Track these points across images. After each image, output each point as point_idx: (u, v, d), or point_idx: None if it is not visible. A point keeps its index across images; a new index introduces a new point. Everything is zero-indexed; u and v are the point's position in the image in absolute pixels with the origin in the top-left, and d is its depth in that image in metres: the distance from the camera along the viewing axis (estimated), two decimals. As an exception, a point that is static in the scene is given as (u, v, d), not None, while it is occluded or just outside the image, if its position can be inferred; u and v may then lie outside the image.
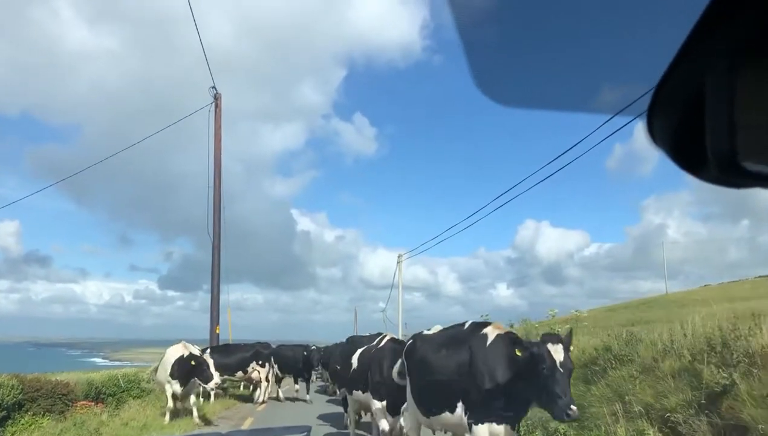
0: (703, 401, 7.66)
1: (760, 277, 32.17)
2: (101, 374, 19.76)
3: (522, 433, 9.17)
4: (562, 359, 5.54)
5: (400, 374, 8.21)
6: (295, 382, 19.12)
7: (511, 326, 13.97)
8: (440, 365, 6.77)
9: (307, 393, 19.08)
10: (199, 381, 14.11)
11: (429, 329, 7.76)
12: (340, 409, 14.75)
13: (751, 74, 1.01)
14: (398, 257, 32.56)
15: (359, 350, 10.31)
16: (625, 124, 9.58)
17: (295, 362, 19.42)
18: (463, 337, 6.74)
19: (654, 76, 1.12)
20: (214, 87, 22.36)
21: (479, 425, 6.11)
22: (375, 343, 9.86)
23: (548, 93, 2.32)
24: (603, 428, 8.83)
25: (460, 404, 6.38)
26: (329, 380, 20.86)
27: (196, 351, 14.76)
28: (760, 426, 6.62)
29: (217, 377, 14.02)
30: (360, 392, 9.98)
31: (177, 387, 13.94)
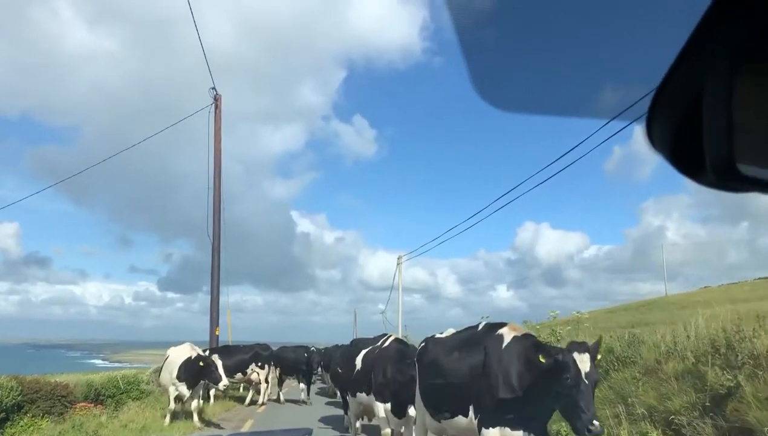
0: (707, 404, 7.61)
1: (759, 279, 32.25)
2: (101, 375, 19.69)
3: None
4: (588, 369, 5.24)
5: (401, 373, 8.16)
6: (299, 383, 19.06)
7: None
8: (453, 367, 6.50)
9: (308, 395, 19.01)
10: (208, 382, 13.98)
11: (441, 333, 7.58)
12: (341, 411, 14.69)
13: (751, 77, 1.01)
14: (398, 258, 32.51)
15: (363, 352, 10.16)
16: (624, 127, 9.53)
17: (297, 363, 19.35)
18: (477, 338, 6.45)
19: (653, 79, 1.12)
20: (214, 88, 22.29)
21: (489, 429, 5.86)
22: (379, 344, 9.73)
23: (546, 97, 2.30)
24: (606, 430, 8.75)
25: (472, 408, 6.12)
26: (329, 381, 20.83)
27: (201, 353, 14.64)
28: (765, 429, 6.56)
29: (225, 379, 13.86)
30: (364, 395, 9.84)
31: (184, 389, 13.73)
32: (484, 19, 2.21)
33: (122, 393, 17.28)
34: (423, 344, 7.72)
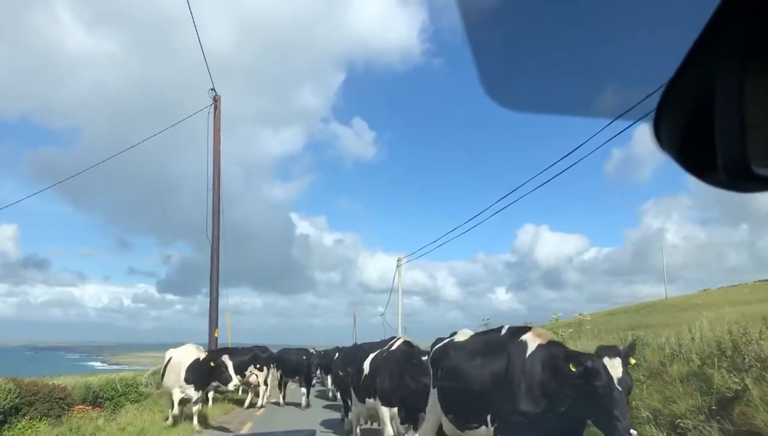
0: (713, 407, 7.52)
1: (759, 281, 32.22)
2: (99, 377, 19.62)
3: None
4: (620, 375, 4.90)
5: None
6: (300, 386, 18.97)
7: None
8: (474, 374, 6.16)
9: (308, 398, 18.91)
10: (218, 383, 13.80)
11: (455, 333, 7.35)
12: (340, 415, 14.61)
13: (761, 77, 1.01)
14: (398, 260, 32.48)
15: (371, 355, 9.77)
16: (627, 128, 9.52)
17: (298, 366, 19.25)
18: (499, 344, 6.09)
19: (658, 78, 1.12)
20: (213, 89, 22.20)
21: None
22: (386, 347, 9.43)
23: (553, 96, 2.29)
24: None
25: (490, 417, 5.84)
26: (329, 384, 20.73)
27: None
28: (774, 432, 6.49)
29: (236, 378, 13.66)
30: (373, 400, 9.41)
31: (192, 391, 13.44)
32: (490, 19, 2.21)
33: (120, 396, 17.21)
34: (439, 347, 7.36)
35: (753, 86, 1.00)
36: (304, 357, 19.35)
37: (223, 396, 19.83)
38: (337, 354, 17.85)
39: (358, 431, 11.55)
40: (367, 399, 9.75)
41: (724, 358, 8.09)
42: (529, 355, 5.61)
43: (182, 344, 15.00)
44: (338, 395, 15.60)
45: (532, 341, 5.74)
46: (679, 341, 9.41)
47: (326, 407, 18.57)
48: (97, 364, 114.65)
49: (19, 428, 12.96)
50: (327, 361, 20.19)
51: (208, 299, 21.60)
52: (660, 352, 9.61)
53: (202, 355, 13.86)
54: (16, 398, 13.64)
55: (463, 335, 7.15)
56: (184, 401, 13.81)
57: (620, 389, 4.86)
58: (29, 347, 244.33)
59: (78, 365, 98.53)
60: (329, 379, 20.49)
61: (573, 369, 5.06)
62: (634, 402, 8.92)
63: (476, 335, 7.03)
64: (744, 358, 7.70)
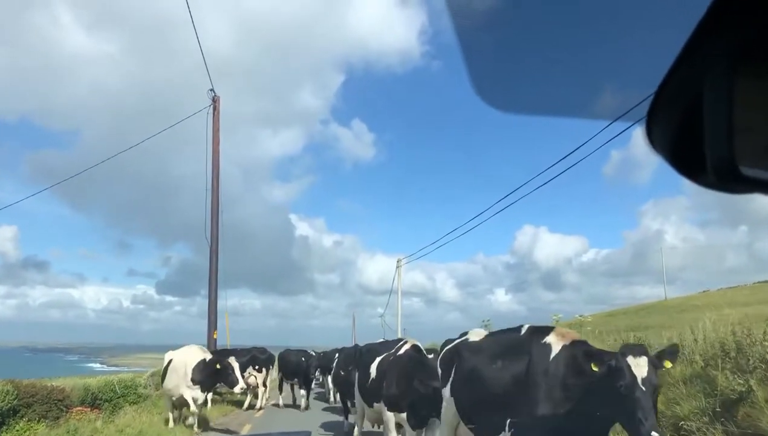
0: (717, 409, 7.47)
1: (758, 282, 32.21)
2: (98, 379, 19.56)
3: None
4: (645, 374, 4.69)
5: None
6: (299, 388, 18.89)
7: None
8: (492, 377, 5.92)
9: (307, 399, 18.85)
10: (224, 385, 13.62)
11: (465, 334, 7.13)
12: (339, 417, 14.55)
13: (750, 79, 1.01)
14: (397, 261, 32.48)
15: (378, 358, 9.53)
16: (624, 130, 9.48)
17: (299, 367, 19.17)
18: (519, 345, 5.81)
19: (653, 80, 1.13)
20: (212, 89, 22.16)
21: None
22: (393, 350, 9.21)
23: (547, 98, 2.32)
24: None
25: (509, 424, 5.62)
26: (328, 386, 20.65)
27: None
28: (779, 435, 6.44)
29: (242, 381, 13.37)
30: (381, 404, 9.17)
31: (198, 393, 13.24)
32: (483, 21, 2.24)
33: (119, 397, 17.14)
34: (450, 348, 7.13)
35: (742, 88, 1.01)
36: (303, 359, 19.29)
37: (222, 398, 19.76)
38: (337, 355, 17.79)
39: (356, 433, 11.47)
40: (375, 403, 9.54)
41: (727, 359, 8.04)
42: (553, 358, 5.38)
43: (181, 345, 14.89)
44: (337, 397, 15.51)
45: (556, 342, 5.49)
46: (682, 342, 9.35)
47: (325, 409, 18.50)
48: (96, 365, 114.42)
49: (17, 430, 12.90)
50: (326, 362, 20.13)
51: (207, 301, 21.57)
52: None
53: (208, 356, 13.72)
54: (14, 399, 13.58)
55: (476, 335, 6.88)
56: (183, 403, 13.71)
57: (644, 389, 4.65)
58: (28, 348, 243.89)
59: (77, 366, 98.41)
60: (329, 380, 20.42)
61: (595, 369, 4.90)
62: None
63: (492, 334, 6.79)
64: (748, 359, 7.65)
